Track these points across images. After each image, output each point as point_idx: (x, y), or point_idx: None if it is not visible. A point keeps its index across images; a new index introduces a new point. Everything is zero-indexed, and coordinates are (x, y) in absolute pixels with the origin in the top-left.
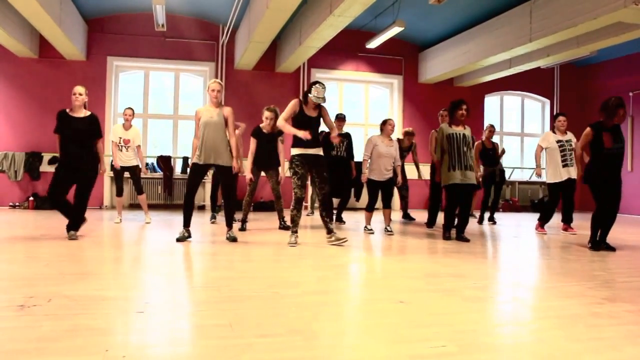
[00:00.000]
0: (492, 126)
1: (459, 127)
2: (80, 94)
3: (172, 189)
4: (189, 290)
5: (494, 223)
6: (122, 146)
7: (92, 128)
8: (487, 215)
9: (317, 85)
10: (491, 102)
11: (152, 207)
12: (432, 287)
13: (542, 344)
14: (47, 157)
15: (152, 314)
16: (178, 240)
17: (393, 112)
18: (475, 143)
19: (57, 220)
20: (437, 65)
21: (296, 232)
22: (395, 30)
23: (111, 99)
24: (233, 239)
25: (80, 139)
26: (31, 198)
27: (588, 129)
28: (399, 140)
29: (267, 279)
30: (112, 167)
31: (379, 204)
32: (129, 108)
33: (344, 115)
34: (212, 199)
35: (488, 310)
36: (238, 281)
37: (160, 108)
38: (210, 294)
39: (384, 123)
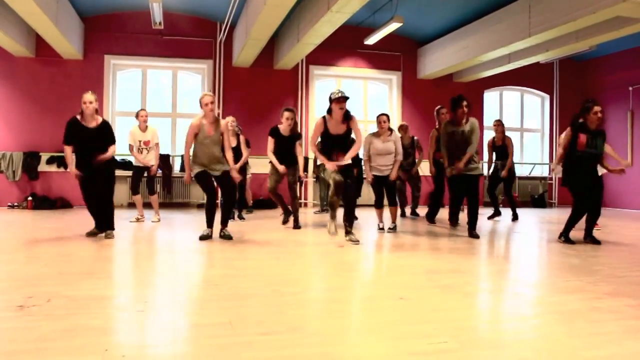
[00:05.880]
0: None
1: (460, 125)
2: (91, 102)
3: (171, 188)
4: (189, 288)
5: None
6: (142, 148)
7: (104, 136)
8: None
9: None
10: (490, 97)
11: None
12: (433, 283)
13: (543, 340)
14: (45, 156)
15: (152, 313)
16: (202, 238)
17: (392, 108)
18: (488, 140)
19: (55, 220)
20: (436, 61)
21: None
22: (393, 26)
23: (109, 98)
24: (228, 237)
25: (91, 149)
26: (30, 198)
27: (568, 128)
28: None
29: (267, 277)
30: (132, 166)
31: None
32: (143, 109)
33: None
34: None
35: (489, 306)
36: (238, 279)
37: (158, 106)
38: (210, 292)
39: (376, 120)
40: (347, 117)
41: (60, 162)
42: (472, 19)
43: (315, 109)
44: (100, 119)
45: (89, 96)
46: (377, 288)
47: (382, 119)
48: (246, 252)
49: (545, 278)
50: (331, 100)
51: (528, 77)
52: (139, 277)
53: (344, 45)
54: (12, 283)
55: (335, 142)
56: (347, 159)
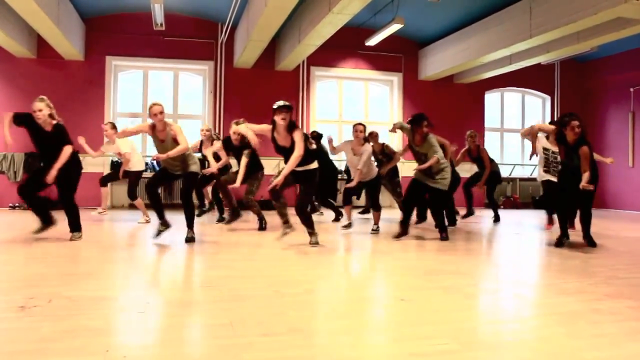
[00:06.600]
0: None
1: (418, 145)
2: (40, 110)
3: (172, 188)
4: (190, 289)
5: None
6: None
7: (59, 139)
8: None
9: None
10: (492, 98)
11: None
12: (433, 284)
13: (543, 341)
14: None
15: (153, 313)
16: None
17: (393, 109)
18: (462, 150)
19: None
20: (437, 62)
21: (286, 224)
22: (394, 28)
23: (110, 99)
24: (190, 240)
25: (49, 154)
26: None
27: (557, 127)
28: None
29: (268, 278)
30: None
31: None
32: (106, 123)
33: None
34: (199, 198)
35: (489, 308)
36: (238, 280)
37: None
38: (210, 294)
39: (353, 128)
40: (291, 128)
41: None
42: (474, 20)
43: (316, 110)
44: (54, 122)
45: (37, 104)
46: (378, 289)
47: (359, 129)
48: (247, 254)
49: (545, 279)
50: (273, 111)
51: (529, 79)
52: (139, 278)
53: (345, 46)
54: (14, 284)
55: (284, 154)
56: (284, 174)
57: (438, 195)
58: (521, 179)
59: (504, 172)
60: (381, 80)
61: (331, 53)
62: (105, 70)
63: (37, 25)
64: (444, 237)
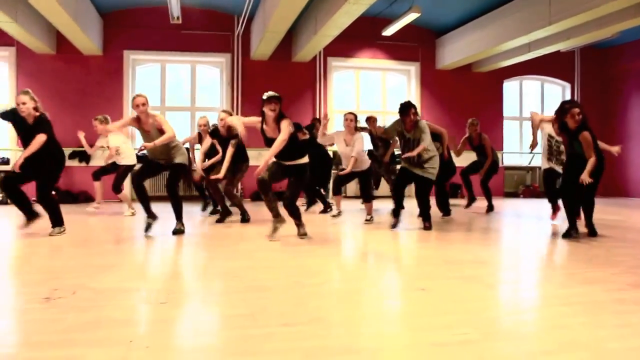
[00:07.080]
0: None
1: (408, 132)
2: (24, 103)
3: (190, 180)
4: (211, 280)
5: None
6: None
7: (38, 132)
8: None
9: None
10: (510, 87)
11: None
12: (453, 274)
13: (566, 331)
14: (67, 151)
15: (175, 305)
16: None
17: (411, 99)
18: (463, 138)
19: (76, 215)
20: (455, 51)
21: (277, 218)
22: (411, 17)
23: (129, 93)
24: (177, 232)
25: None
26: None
27: (558, 116)
28: (370, 130)
29: (288, 269)
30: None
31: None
32: (95, 119)
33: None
34: (199, 191)
35: (510, 297)
36: (259, 271)
37: (177, 100)
38: (231, 284)
39: (343, 117)
40: (280, 119)
41: (82, 156)
42: (491, 8)
43: (333, 100)
44: (38, 114)
45: (21, 97)
46: (397, 279)
47: (349, 118)
48: (267, 244)
49: (567, 269)
50: (262, 102)
51: (548, 66)
52: (161, 270)
53: (361, 36)
54: (38, 276)
55: (270, 145)
56: (267, 159)
57: (424, 183)
58: (540, 168)
59: (524, 160)
60: (398, 70)
61: (348, 43)
62: (123, 64)
63: (56, 22)
64: (427, 227)
